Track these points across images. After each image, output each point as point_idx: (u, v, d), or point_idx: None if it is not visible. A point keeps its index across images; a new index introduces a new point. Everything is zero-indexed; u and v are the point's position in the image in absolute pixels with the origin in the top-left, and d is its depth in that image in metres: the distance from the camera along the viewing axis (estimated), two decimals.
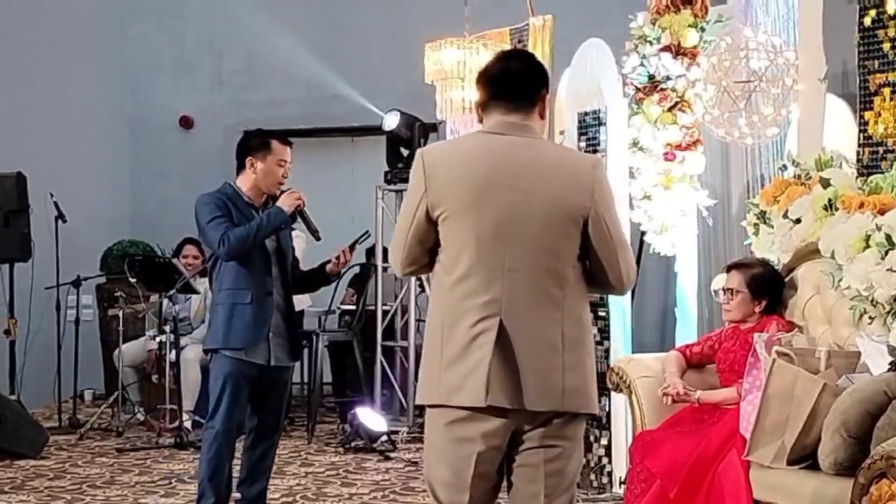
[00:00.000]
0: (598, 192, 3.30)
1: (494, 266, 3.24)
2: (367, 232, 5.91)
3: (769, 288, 5.12)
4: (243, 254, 5.12)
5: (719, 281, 5.37)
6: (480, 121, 3.43)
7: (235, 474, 5.35)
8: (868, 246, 4.72)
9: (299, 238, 6.19)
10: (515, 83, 3.38)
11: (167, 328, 8.07)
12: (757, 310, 5.09)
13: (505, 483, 3.39)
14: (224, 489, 5.22)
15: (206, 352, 5.40)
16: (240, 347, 5.14)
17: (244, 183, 5.29)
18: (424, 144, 8.68)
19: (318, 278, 5.55)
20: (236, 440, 5.28)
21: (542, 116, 3.41)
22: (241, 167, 5.31)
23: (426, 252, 3.37)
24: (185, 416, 7.96)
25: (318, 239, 5.34)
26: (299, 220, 5.33)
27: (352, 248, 5.52)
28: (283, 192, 5.28)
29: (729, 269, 5.24)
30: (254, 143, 5.29)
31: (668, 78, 6.09)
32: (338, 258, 5.40)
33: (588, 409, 3.34)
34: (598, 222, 3.28)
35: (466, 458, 3.28)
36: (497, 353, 3.21)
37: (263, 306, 5.17)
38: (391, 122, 8.50)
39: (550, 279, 3.27)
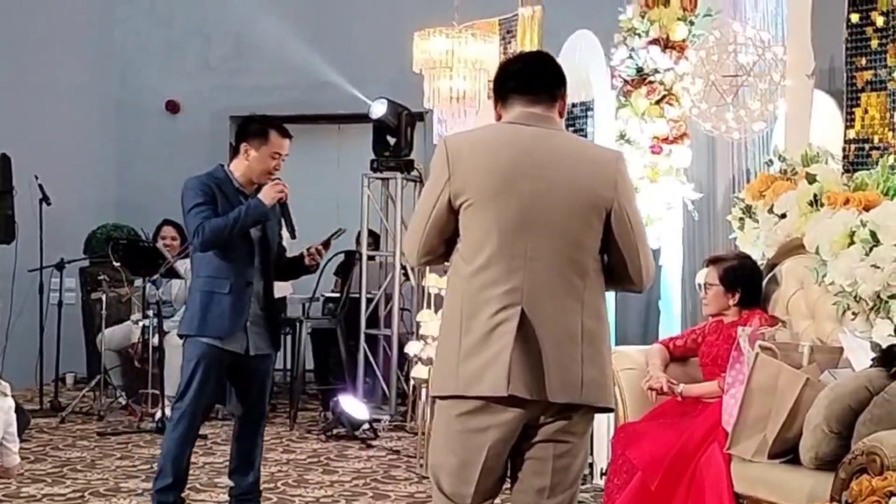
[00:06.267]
0: (622, 185, 3.28)
1: (516, 255, 3.20)
2: (341, 229, 5.79)
3: (742, 281, 5.10)
4: (218, 245, 4.99)
5: (703, 275, 5.39)
6: (498, 118, 3.39)
7: (216, 461, 5.32)
8: (853, 242, 4.73)
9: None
10: (537, 77, 3.36)
11: (150, 312, 8.05)
12: (731, 303, 5.08)
13: (509, 475, 3.36)
14: (183, 472, 5.11)
15: (180, 336, 5.25)
16: (215, 336, 5.04)
17: (237, 168, 5.14)
18: (411, 133, 8.68)
19: (298, 268, 5.43)
20: (201, 423, 5.21)
21: (560, 115, 3.40)
22: (236, 151, 5.18)
23: (443, 242, 3.31)
24: (166, 402, 7.94)
25: (293, 237, 5.22)
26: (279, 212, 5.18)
27: (325, 244, 5.37)
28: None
29: (708, 263, 5.25)
30: (251, 130, 5.13)
31: (656, 71, 6.10)
32: (311, 254, 5.27)
33: (604, 402, 3.31)
34: (620, 215, 3.26)
35: (477, 449, 3.24)
36: (518, 343, 3.16)
37: (241, 296, 5.05)
38: (378, 110, 8.49)
39: (572, 269, 3.23)
